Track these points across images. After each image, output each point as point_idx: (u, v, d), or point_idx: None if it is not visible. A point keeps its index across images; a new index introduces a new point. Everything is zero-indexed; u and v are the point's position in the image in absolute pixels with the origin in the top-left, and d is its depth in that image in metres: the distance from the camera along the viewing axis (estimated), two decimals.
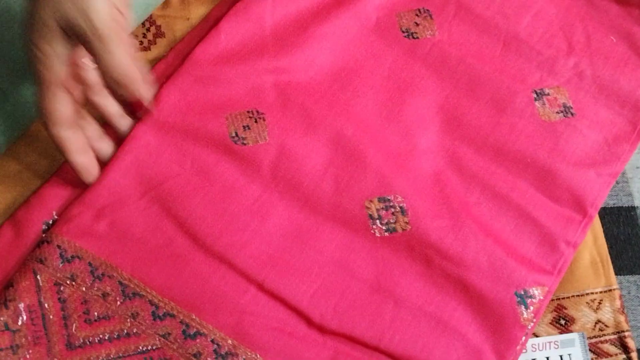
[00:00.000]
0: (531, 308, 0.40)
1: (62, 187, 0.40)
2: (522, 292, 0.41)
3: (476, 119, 0.45)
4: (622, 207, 0.47)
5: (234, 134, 0.42)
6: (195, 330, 0.37)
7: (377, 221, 0.41)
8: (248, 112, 0.43)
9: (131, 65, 0.36)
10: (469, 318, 0.40)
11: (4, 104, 0.41)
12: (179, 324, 0.38)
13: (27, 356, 0.36)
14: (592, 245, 0.45)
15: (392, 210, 0.41)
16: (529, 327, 0.41)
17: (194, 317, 0.38)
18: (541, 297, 0.41)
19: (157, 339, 0.37)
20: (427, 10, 0.49)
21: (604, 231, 0.45)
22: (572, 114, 0.46)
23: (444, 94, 0.46)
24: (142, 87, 0.39)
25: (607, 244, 0.45)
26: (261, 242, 0.41)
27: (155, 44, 0.47)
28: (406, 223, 0.41)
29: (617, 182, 0.47)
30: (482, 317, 0.40)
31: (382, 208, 0.41)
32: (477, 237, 0.42)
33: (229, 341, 0.38)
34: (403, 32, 0.48)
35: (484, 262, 0.41)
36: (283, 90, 0.44)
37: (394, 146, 0.44)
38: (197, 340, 0.37)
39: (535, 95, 0.46)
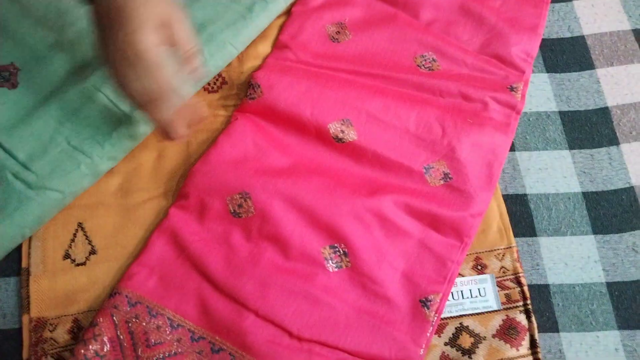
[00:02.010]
0: (432, 308, 0.55)
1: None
2: (424, 299, 0.55)
3: (389, 187, 0.60)
4: (518, 194, 0.63)
5: (232, 211, 0.57)
6: (219, 347, 0.52)
7: (330, 261, 0.56)
8: (240, 194, 0.58)
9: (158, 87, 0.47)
10: (394, 320, 0.54)
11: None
12: (209, 343, 0.52)
13: None
14: (499, 218, 0.61)
15: (339, 253, 0.56)
16: (433, 321, 0.54)
17: (217, 338, 0.52)
18: (437, 300, 0.55)
19: (195, 355, 0.52)
20: (348, 119, 0.63)
21: (506, 209, 0.61)
22: (450, 179, 0.60)
23: (365, 176, 0.61)
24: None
25: (509, 217, 0.61)
26: (254, 282, 0.54)
27: (221, 88, 0.66)
28: (348, 262, 0.56)
29: (515, 178, 0.63)
30: (401, 318, 0.54)
31: (332, 252, 0.56)
32: (391, 265, 0.56)
33: (240, 352, 0.52)
34: (334, 138, 0.62)
35: (397, 283, 0.56)
36: (261, 178, 0.58)
37: (335, 209, 0.58)
38: (221, 354, 0.52)
39: (424, 170, 0.61)
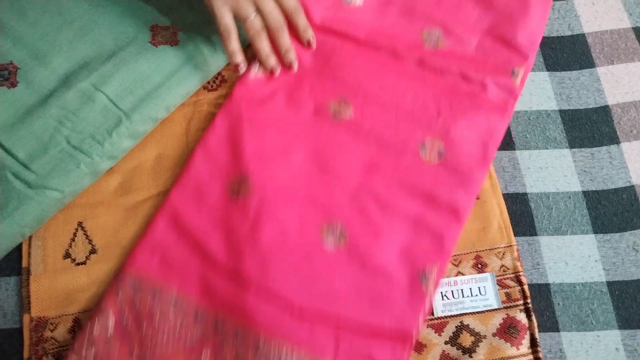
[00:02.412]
0: (430, 281, 0.55)
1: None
2: (422, 274, 0.56)
3: (385, 165, 0.60)
4: (518, 193, 0.63)
5: (231, 193, 0.58)
6: (222, 324, 0.53)
7: (328, 240, 0.57)
8: (238, 176, 0.59)
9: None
10: (392, 295, 0.55)
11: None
12: (213, 321, 0.53)
13: (117, 349, 0.52)
14: (499, 216, 0.61)
15: (336, 232, 0.57)
16: (431, 294, 0.55)
17: (220, 315, 0.53)
18: (434, 274, 0.56)
19: (199, 332, 0.53)
20: (346, 96, 0.64)
21: (507, 208, 0.61)
22: (445, 156, 0.61)
23: (361, 154, 0.61)
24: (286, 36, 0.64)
25: (509, 216, 0.61)
26: (255, 260, 0.55)
27: (220, 86, 0.67)
28: (346, 240, 0.57)
29: (516, 177, 0.63)
30: (400, 294, 0.55)
31: (330, 231, 0.57)
32: (389, 243, 0.57)
33: (244, 328, 0.52)
34: (331, 115, 0.63)
35: (395, 259, 0.56)
36: (259, 160, 0.59)
37: (332, 188, 0.59)
38: (225, 330, 0.52)
39: (419, 148, 0.61)
